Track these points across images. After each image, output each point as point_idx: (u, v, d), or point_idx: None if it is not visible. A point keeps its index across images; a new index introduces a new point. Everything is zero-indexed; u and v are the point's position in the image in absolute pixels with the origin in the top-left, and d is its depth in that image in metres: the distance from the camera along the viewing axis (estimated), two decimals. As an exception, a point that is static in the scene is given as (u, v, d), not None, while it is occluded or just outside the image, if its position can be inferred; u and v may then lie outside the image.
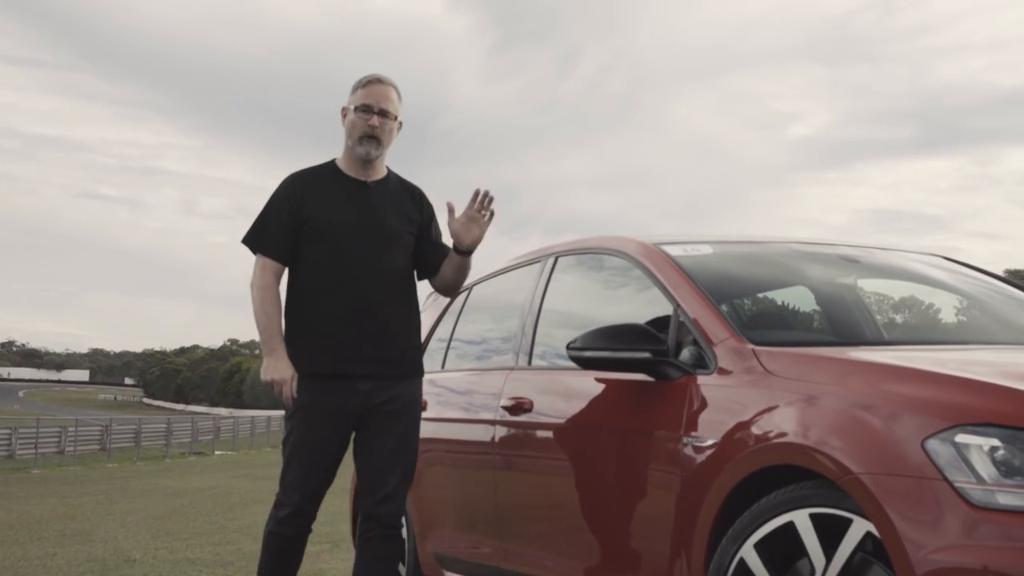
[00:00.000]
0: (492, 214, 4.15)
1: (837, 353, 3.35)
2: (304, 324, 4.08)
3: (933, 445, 2.61)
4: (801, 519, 2.87)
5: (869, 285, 4.69)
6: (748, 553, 2.97)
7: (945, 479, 2.55)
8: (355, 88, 4.19)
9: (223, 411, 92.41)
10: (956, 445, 2.58)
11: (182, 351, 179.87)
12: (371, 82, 4.16)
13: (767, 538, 2.94)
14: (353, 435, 4.15)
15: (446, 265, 4.24)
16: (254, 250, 4.15)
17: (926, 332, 4.66)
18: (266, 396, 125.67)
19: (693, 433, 3.28)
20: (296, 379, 4.01)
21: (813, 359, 3.24)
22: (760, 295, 4.40)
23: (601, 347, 3.49)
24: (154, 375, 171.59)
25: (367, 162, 4.14)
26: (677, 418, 3.36)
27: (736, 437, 3.12)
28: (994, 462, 2.53)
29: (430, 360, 5.08)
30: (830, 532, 2.81)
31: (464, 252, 4.18)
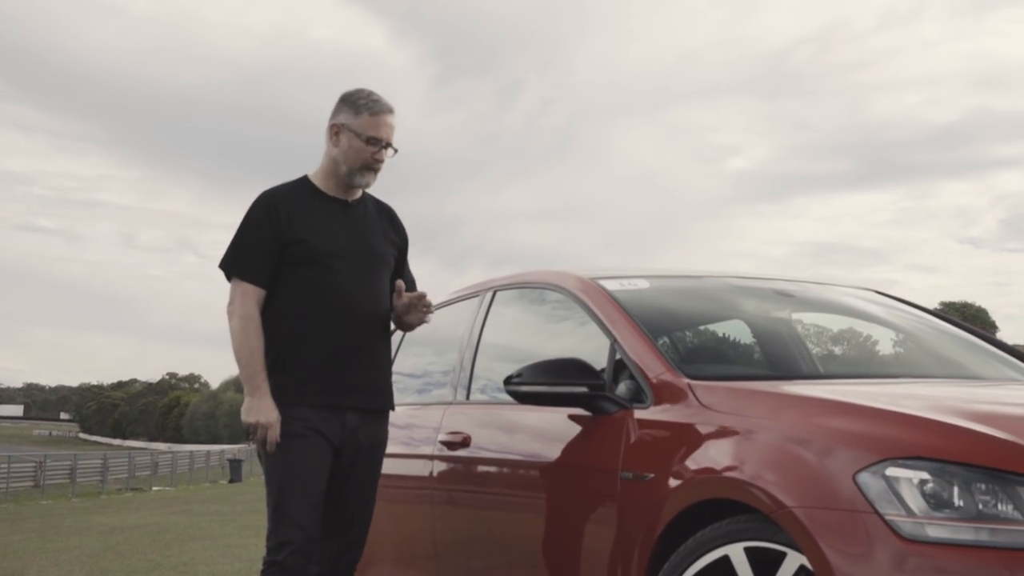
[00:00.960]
0: (428, 317, 3.99)
1: (772, 387, 3.39)
2: (292, 352, 3.83)
3: (864, 478, 2.64)
4: (736, 553, 2.89)
5: (808, 317, 4.76)
6: (684, 587, 2.98)
7: (876, 512, 2.59)
8: (358, 109, 3.90)
9: (161, 446, 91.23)
10: (886, 478, 2.61)
11: (120, 385, 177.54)
12: (382, 112, 3.90)
13: (703, 572, 2.95)
14: None
15: (397, 310, 4.02)
16: (232, 276, 3.87)
17: (860, 366, 4.73)
18: (205, 431, 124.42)
19: (629, 467, 3.30)
20: (279, 422, 3.75)
21: (748, 393, 3.27)
22: (696, 329, 4.44)
23: (538, 381, 3.50)
24: (91, 410, 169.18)
25: (356, 187, 3.97)
26: (614, 452, 3.37)
27: (672, 471, 3.14)
28: (923, 495, 2.56)
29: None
30: (765, 566, 2.84)
31: (404, 329, 4.09)
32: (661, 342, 3.65)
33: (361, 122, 3.88)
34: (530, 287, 4.42)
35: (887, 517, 2.57)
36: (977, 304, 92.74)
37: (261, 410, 3.74)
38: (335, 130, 3.92)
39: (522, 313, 4.61)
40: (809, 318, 4.82)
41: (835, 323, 5.05)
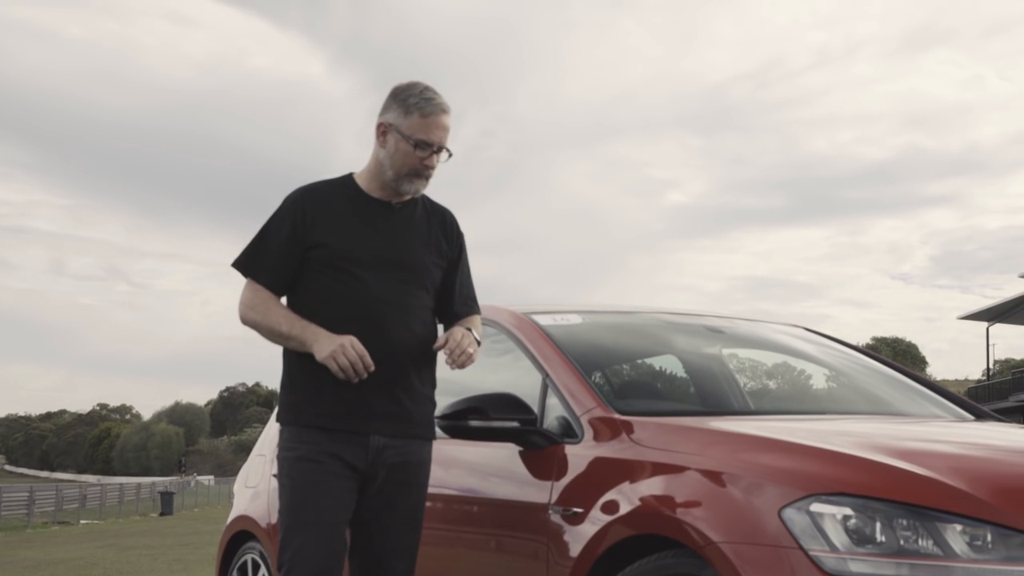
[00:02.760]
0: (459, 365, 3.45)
1: (701, 423, 3.43)
2: (310, 367, 3.37)
3: (789, 514, 2.68)
4: (665, 588, 2.91)
5: (743, 352, 4.83)
6: (613, 622, 3.00)
7: (800, 548, 2.62)
8: (408, 107, 3.44)
9: (90, 478, 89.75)
10: (811, 514, 2.65)
11: (48, 416, 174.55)
12: (435, 113, 3.44)
13: (632, 607, 2.97)
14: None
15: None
16: (245, 274, 3.51)
17: (789, 402, 4.80)
18: (136, 463, 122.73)
19: (560, 503, 3.32)
20: (352, 340, 3.31)
21: (678, 429, 3.30)
22: (628, 365, 4.48)
23: (470, 416, 3.51)
24: (17, 441, 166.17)
25: (400, 193, 3.52)
26: (544, 488, 3.39)
27: (601, 506, 3.16)
28: (846, 531, 2.61)
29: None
30: (692, 600, 2.86)
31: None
32: (593, 377, 3.68)
33: (411, 123, 3.43)
34: (464, 321, 4.43)
35: (811, 552, 2.61)
36: (908, 339, 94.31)
37: (328, 339, 3.32)
38: (382, 129, 3.49)
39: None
40: (744, 352, 4.89)
41: (770, 358, 5.13)
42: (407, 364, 3.44)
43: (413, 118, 3.42)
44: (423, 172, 3.46)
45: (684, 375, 4.38)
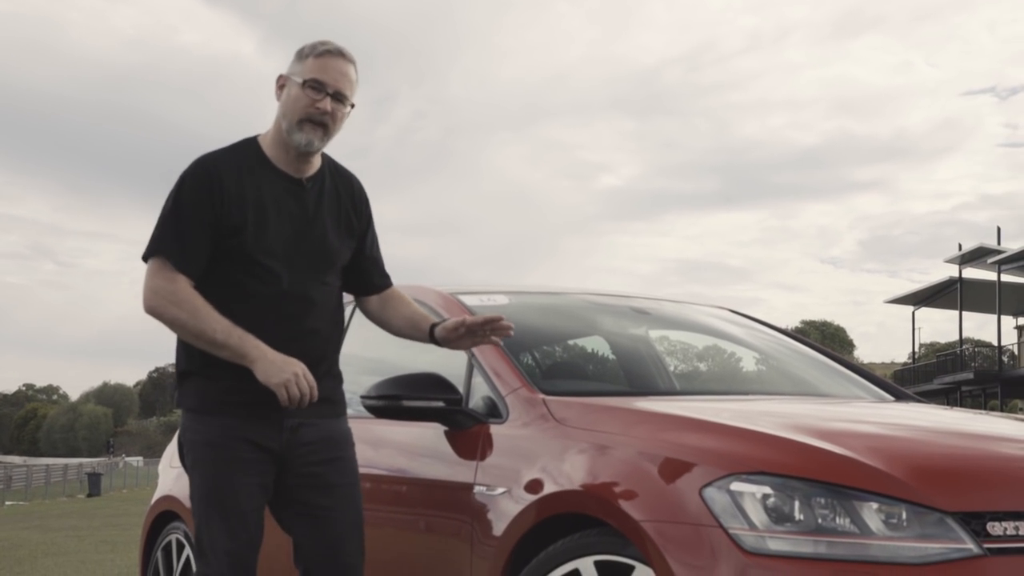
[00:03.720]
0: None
1: (626, 403, 3.45)
2: (215, 357, 3.19)
3: (710, 493, 2.71)
4: (586, 566, 2.93)
5: (673, 335, 4.86)
6: (535, 600, 3.01)
7: (720, 526, 2.65)
8: (303, 55, 3.27)
9: (16, 459, 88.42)
10: (731, 493, 2.68)
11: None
12: (328, 53, 3.26)
13: (553, 585, 2.99)
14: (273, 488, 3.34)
15: (397, 315, 3.51)
16: (165, 258, 3.17)
17: (714, 383, 4.84)
18: (64, 444, 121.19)
19: (484, 482, 3.32)
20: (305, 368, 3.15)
21: (602, 409, 3.32)
22: (554, 345, 4.49)
23: (395, 396, 3.50)
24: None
25: (305, 153, 3.30)
26: (470, 467, 3.39)
27: (526, 485, 3.17)
28: (766, 509, 2.64)
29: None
30: (614, 579, 2.89)
31: (435, 343, 3.44)
32: (517, 357, 3.69)
33: (305, 66, 3.25)
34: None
35: (731, 531, 2.64)
36: (836, 323, 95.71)
37: (278, 363, 3.11)
38: (280, 83, 3.31)
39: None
40: (675, 335, 4.93)
41: (699, 340, 5.18)
42: (320, 350, 3.35)
43: (307, 62, 3.26)
44: (316, 117, 3.22)
45: (610, 356, 4.41)
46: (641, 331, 4.50)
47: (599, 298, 4.55)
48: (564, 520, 3.03)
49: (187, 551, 4.71)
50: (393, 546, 3.73)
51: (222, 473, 3.21)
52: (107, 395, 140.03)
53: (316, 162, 3.36)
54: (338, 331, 3.45)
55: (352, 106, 3.30)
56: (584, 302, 4.51)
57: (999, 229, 44.63)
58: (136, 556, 5.41)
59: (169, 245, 3.18)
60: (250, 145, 3.34)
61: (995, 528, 2.57)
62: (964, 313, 46.42)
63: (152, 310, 3.19)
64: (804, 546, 2.57)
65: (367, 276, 3.51)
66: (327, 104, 3.22)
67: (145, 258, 3.22)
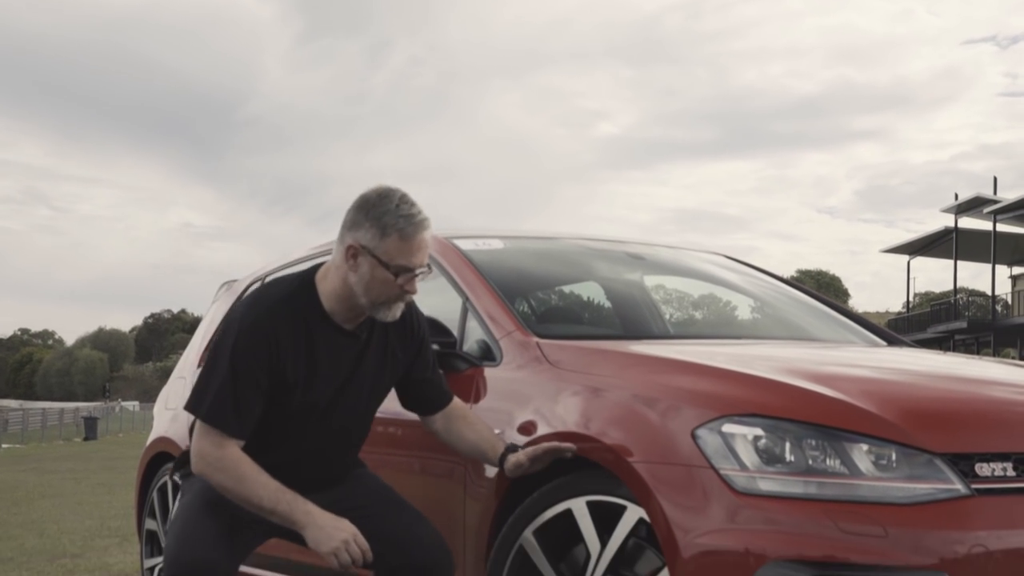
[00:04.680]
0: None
1: (619, 346, 3.47)
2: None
3: (702, 434, 2.73)
4: (579, 506, 2.96)
5: (669, 283, 4.87)
6: (527, 540, 3.04)
7: (712, 467, 2.68)
8: (386, 226, 2.95)
9: (12, 403, 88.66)
10: (723, 435, 2.70)
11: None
12: (419, 232, 2.99)
13: (546, 525, 3.02)
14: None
15: (461, 440, 3.23)
16: (213, 425, 2.98)
17: (707, 327, 4.86)
18: (59, 388, 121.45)
19: (479, 423, 3.34)
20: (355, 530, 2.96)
21: (596, 352, 3.34)
22: (548, 290, 4.51)
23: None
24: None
25: (373, 317, 3.11)
26: (464, 409, 3.41)
27: (519, 427, 3.19)
28: (757, 450, 2.66)
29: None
30: (607, 519, 2.91)
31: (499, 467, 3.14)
32: (512, 301, 3.70)
33: (388, 247, 2.95)
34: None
35: (722, 472, 2.66)
36: (831, 272, 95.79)
37: (327, 530, 2.93)
38: (351, 252, 2.99)
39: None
40: (671, 284, 4.94)
41: (695, 288, 5.19)
42: (339, 471, 3.29)
43: (391, 240, 2.94)
44: (403, 298, 3.04)
45: (605, 300, 4.42)
46: (636, 276, 4.51)
47: (594, 243, 4.55)
48: (557, 461, 3.05)
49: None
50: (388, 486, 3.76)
51: (218, 499, 3.05)
52: (103, 340, 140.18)
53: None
54: (366, 434, 3.35)
55: (429, 268, 3.10)
56: (579, 247, 4.52)
57: (996, 179, 44.66)
58: (132, 498, 5.46)
59: (222, 412, 2.97)
60: (309, 296, 3.08)
61: (983, 469, 2.60)
62: (959, 263, 46.51)
63: (198, 473, 3.04)
64: (794, 486, 2.60)
65: (422, 396, 3.31)
66: (415, 285, 3.03)
67: (190, 411, 3.03)
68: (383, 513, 3.11)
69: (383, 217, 2.96)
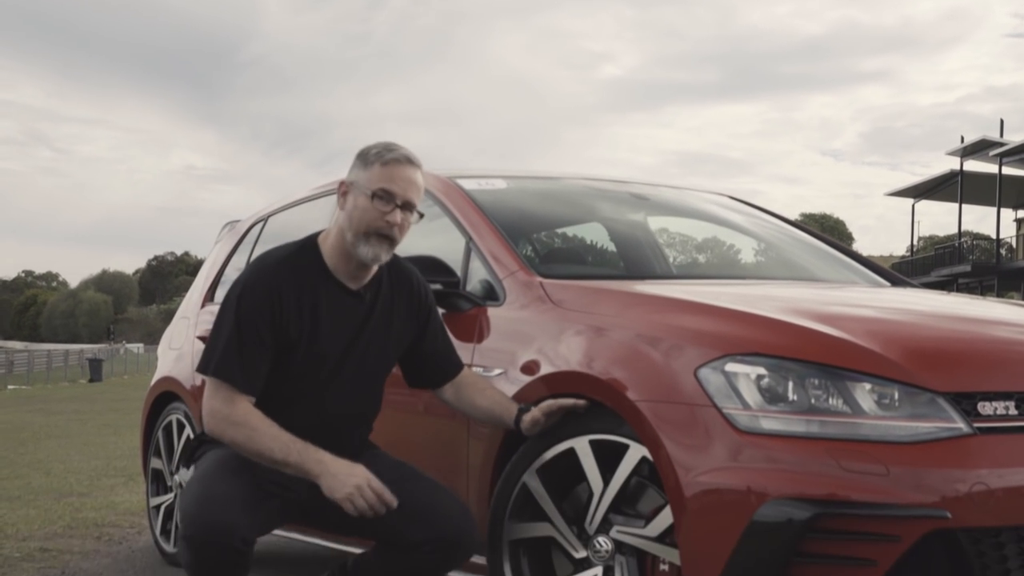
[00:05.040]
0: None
1: (622, 286, 3.47)
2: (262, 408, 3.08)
3: (705, 374, 2.73)
4: (581, 445, 2.97)
5: (673, 227, 4.85)
6: (530, 478, 3.06)
7: (715, 406, 2.68)
8: (368, 161, 3.09)
9: (17, 344, 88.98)
10: (726, 374, 2.71)
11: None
12: (396, 161, 3.08)
13: (549, 464, 3.04)
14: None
15: (473, 407, 3.23)
16: (224, 380, 3.02)
17: (710, 267, 4.85)
18: (64, 330, 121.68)
19: (481, 363, 3.35)
20: (368, 474, 2.97)
21: (598, 291, 3.34)
22: (551, 230, 4.50)
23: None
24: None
25: (369, 264, 3.15)
26: (467, 349, 3.41)
27: (522, 366, 3.20)
28: (760, 389, 2.67)
29: (222, 290, 5.02)
30: (609, 458, 2.93)
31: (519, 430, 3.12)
32: (515, 241, 3.69)
33: (371, 174, 3.07)
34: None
35: (725, 410, 2.67)
36: (835, 216, 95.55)
37: (341, 476, 2.94)
38: (342, 190, 3.13)
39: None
40: (675, 227, 4.93)
41: (699, 232, 5.18)
42: (360, 437, 3.29)
43: (373, 169, 3.07)
44: (385, 231, 3.05)
45: (608, 240, 4.41)
46: (639, 217, 4.49)
47: (598, 183, 4.54)
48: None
49: (187, 430, 4.77)
50: (392, 428, 3.76)
51: (231, 457, 3.06)
52: (106, 282, 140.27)
53: (375, 267, 3.18)
54: (377, 412, 3.34)
55: (420, 215, 3.16)
56: (583, 187, 4.50)
57: (1002, 121, 44.34)
58: (138, 438, 5.49)
59: (229, 367, 3.03)
60: (311, 254, 3.16)
61: (985, 408, 2.60)
62: (964, 206, 46.32)
63: (211, 432, 3.07)
64: (797, 425, 2.60)
65: (431, 368, 3.31)
66: (396, 216, 3.06)
67: (201, 371, 3.09)
68: (403, 487, 3.07)
69: (368, 153, 3.12)
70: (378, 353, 3.21)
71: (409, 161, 3.11)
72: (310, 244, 3.18)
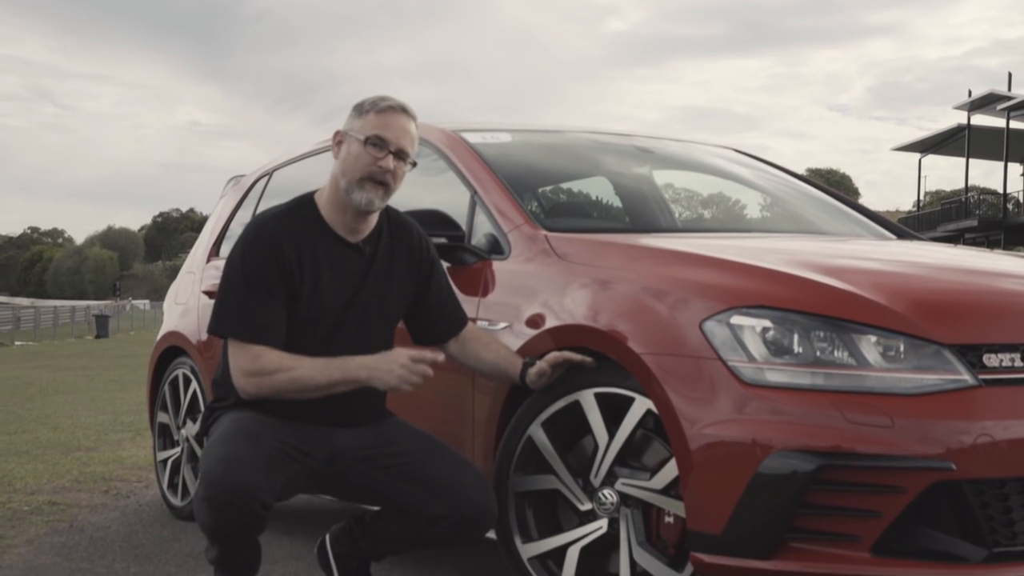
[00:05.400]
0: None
1: (628, 239, 3.46)
2: (257, 405, 3.09)
3: (710, 326, 2.73)
4: (586, 398, 2.98)
5: (679, 182, 4.83)
6: (536, 432, 3.07)
7: (720, 358, 2.68)
8: (363, 111, 3.13)
9: (23, 301, 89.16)
10: (731, 326, 2.70)
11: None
12: (390, 109, 3.12)
13: (554, 417, 3.04)
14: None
15: (479, 361, 3.24)
16: (247, 340, 3.03)
17: (715, 221, 4.83)
18: (70, 286, 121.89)
19: (486, 317, 3.35)
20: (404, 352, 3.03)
21: (603, 245, 3.33)
22: (556, 183, 4.48)
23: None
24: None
25: (364, 213, 3.17)
26: (472, 303, 3.41)
27: (527, 320, 3.20)
28: (765, 342, 2.66)
29: (228, 244, 5.02)
30: (614, 410, 2.93)
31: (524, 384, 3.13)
32: (520, 194, 3.67)
33: (364, 123, 3.11)
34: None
35: (730, 363, 2.66)
36: (842, 171, 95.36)
37: (381, 373, 3.00)
38: (337, 139, 3.18)
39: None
40: (680, 182, 4.90)
41: (704, 186, 5.16)
42: (361, 404, 3.20)
43: (367, 117, 3.11)
44: (378, 176, 3.07)
45: (613, 194, 4.40)
46: (645, 170, 4.47)
47: (602, 137, 4.51)
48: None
49: (194, 385, 4.78)
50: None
51: (252, 423, 3.04)
52: (112, 239, 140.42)
53: (374, 219, 3.19)
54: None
55: (413, 164, 3.17)
56: (588, 140, 4.48)
57: (1010, 75, 44.05)
58: (144, 394, 5.51)
59: (245, 325, 3.04)
60: (308, 207, 3.18)
61: (991, 360, 2.60)
62: (971, 161, 46.13)
63: (250, 393, 3.05)
64: (802, 378, 2.60)
65: (435, 323, 3.30)
66: (390, 162, 3.08)
67: (213, 332, 3.11)
68: (425, 460, 3.09)
69: (363, 104, 3.17)
70: (380, 307, 3.20)
71: (403, 110, 3.14)
72: (306, 199, 3.20)
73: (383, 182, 3.08)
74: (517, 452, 3.11)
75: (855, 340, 2.61)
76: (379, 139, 3.08)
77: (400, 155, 3.10)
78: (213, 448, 2.98)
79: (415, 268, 3.26)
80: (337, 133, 3.18)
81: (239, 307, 3.04)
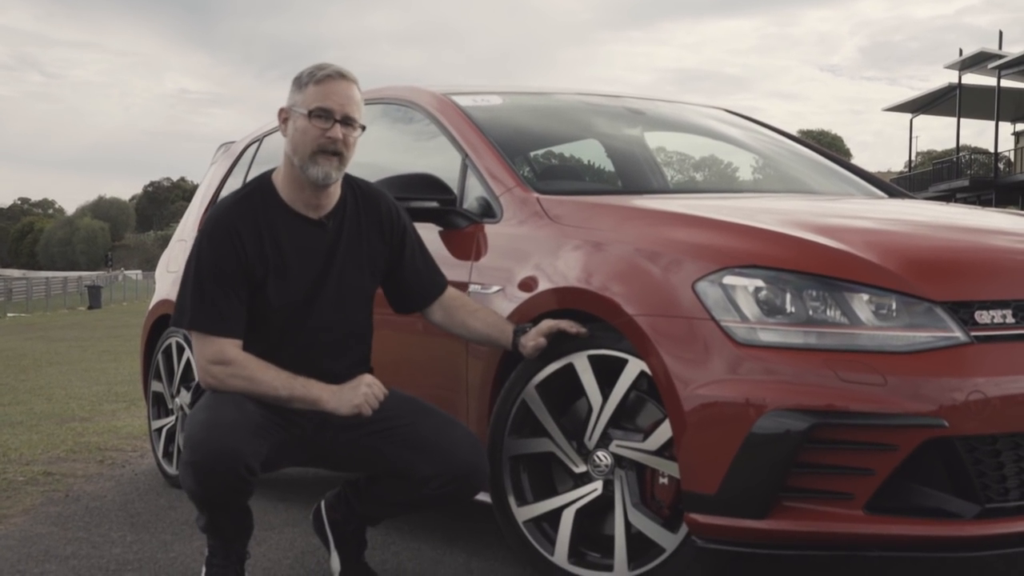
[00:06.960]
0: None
1: (620, 201, 3.45)
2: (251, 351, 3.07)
3: (702, 287, 2.73)
4: (580, 361, 2.98)
5: (670, 145, 4.82)
6: (530, 395, 3.07)
7: (713, 319, 2.68)
8: (302, 84, 3.06)
9: (15, 272, 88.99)
10: (724, 286, 2.70)
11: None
12: (328, 77, 3.05)
13: (548, 380, 3.05)
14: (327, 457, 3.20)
15: (466, 329, 3.22)
16: (208, 332, 3.01)
17: (707, 181, 4.83)
18: (62, 257, 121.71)
19: (479, 280, 3.34)
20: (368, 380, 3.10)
21: (595, 206, 3.32)
22: (548, 146, 4.47)
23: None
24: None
25: (323, 186, 3.11)
26: (464, 267, 3.41)
27: (519, 283, 3.20)
28: (758, 302, 2.67)
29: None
30: (608, 372, 2.94)
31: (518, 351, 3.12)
32: (511, 157, 3.66)
33: (306, 95, 3.05)
34: (384, 103, 4.35)
35: (723, 323, 2.67)
36: (833, 132, 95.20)
37: (344, 399, 3.03)
38: (282, 117, 3.12)
39: (374, 128, 4.54)
40: (672, 145, 4.89)
41: (696, 149, 5.14)
42: (350, 373, 3.16)
43: (308, 90, 3.05)
44: (329, 147, 3.02)
45: (605, 156, 4.39)
46: (636, 132, 4.46)
47: (594, 99, 4.50)
48: (558, 316, 3.06)
49: (187, 353, 4.77)
50: (392, 347, 3.77)
51: (243, 397, 3.00)
52: (103, 209, 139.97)
53: (335, 192, 3.14)
54: (368, 340, 3.28)
55: (363, 128, 3.11)
56: (579, 102, 4.46)
57: (1001, 33, 44.01)
58: (138, 364, 5.50)
59: (206, 317, 3.02)
60: (265, 189, 3.13)
61: (983, 316, 2.61)
62: (963, 120, 46.08)
63: (210, 386, 3.05)
64: (795, 337, 2.60)
65: (412, 290, 3.28)
66: (338, 131, 3.03)
67: (176, 325, 3.10)
68: (413, 422, 3.09)
69: (302, 76, 3.10)
70: (354, 277, 3.16)
71: (342, 76, 3.08)
72: (264, 181, 3.16)
73: (336, 152, 3.03)
74: (511, 416, 3.12)
75: (847, 299, 2.61)
76: (323, 110, 3.03)
77: (347, 122, 3.05)
78: (197, 414, 2.97)
79: (386, 238, 3.21)
80: (282, 111, 3.11)
81: (200, 299, 3.02)
